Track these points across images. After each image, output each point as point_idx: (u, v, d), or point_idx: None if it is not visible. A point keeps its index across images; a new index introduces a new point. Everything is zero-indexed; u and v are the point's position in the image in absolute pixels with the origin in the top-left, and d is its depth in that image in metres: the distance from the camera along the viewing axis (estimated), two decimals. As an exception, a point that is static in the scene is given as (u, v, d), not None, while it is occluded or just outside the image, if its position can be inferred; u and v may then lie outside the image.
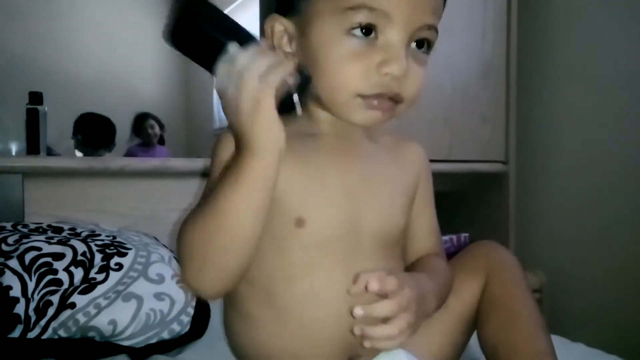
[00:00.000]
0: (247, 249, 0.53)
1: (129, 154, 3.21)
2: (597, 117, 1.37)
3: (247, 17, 3.22)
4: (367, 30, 0.55)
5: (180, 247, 0.55)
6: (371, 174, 0.65)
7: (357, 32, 0.55)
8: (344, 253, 0.60)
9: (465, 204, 1.49)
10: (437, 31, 0.58)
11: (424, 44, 0.58)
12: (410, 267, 0.69)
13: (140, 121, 3.26)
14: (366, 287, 0.50)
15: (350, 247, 0.61)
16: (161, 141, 3.36)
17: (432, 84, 1.32)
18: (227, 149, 0.57)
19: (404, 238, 0.70)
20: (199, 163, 1.11)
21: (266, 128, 0.49)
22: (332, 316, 0.59)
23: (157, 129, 3.22)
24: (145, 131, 3.20)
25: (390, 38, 0.55)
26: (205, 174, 1.07)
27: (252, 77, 0.48)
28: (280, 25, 0.60)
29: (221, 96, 0.51)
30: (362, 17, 0.54)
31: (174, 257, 0.85)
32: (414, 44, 0.57)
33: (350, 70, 0.55)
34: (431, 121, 1.32)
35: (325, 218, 0.60)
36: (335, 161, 0.62)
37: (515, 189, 1.46)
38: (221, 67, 0.49)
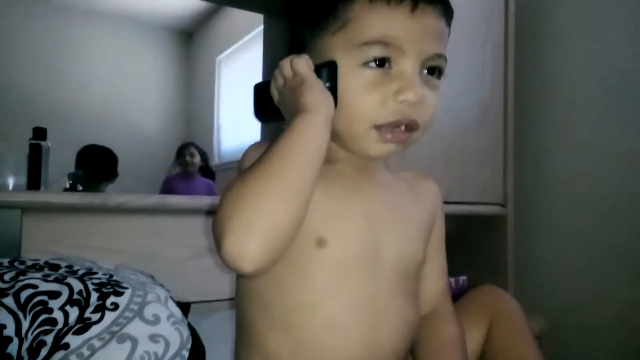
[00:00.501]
0: (301, 201, 0.50)
1: (166, 183, 3.17)
2: (595, 159, 1.39)
3: (251, 56, 3.29)
4: (381, 61, 0.58)
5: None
6: (391, 203, 0.66)
7: (372, 64, 0.58)
8: (363, 278, 0.60)
9: (463, 246, 1.49)
10: (446, 59, 0.61)
11: (435, 71, 0.61)
12: (425, 332, 0.68)
13: (182, 150, 3.22)
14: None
15: (370, 272, 0.61)
16: (207, 173, 3.26)
17: (432, 125, 1.34)
18: (255, 157, 0.57)
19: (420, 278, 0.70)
20: (198, 200, 1.11)
21: (317, 93, 0.56)
22: (352, 348, 0.58)
23: (197, 159, 3.13)
24: (183, 160, 3.16)
25: (403, 67, 0.58)
26: (209, 212, 1.07)
27: (300, 63, 0.59)
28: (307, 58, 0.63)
29: (279, 91, 0.61)
30: (376, 52, 0.57)
31: (170, 297, 0.84)
32: (425, 71, 0.60)
33: (368, 100, 0.58)
34: (430, 162, 1.33)
35: (346, 239, 0.60)
36: (356, 187, 0.64)
37: (513, 232, 1.46)
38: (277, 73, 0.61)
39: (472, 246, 1.50)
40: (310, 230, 0.58)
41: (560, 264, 1.46)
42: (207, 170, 3.24)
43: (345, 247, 0.60)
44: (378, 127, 0.59)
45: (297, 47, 0.64)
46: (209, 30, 4.33)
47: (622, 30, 1.34)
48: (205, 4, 3.87)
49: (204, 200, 1.09)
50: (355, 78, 0.58)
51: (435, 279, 0.72)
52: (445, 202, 1.36)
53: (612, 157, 1.34)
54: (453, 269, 1.52)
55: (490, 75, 1.44)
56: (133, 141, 4.01)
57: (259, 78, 1.80)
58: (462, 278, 1.42)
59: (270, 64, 1.76)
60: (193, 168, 3.11)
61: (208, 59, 4.21)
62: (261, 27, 1.86)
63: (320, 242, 0.59)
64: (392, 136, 0.59)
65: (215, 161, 3.93)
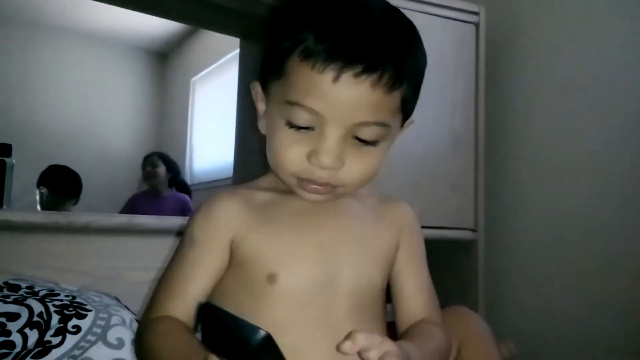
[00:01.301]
0: None
1: (130, 201, 2.70)
2: (566, 184, 1.42)
3: (226, 78, 3.30)
4: (302, 127, 0.59)
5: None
6: (347, 231, 0.66)
7: (294, 127, 0.59)
8: (321, 309, 0.61)
9: (434, 271, 1.47)
10: (384, 125, 0.59)
11: (367, 141, 0.60)
12: (402, 336, 0.67)
13: (144, 161, 2.73)
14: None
15: (327, 302, 0.61)
16: (182, 188, 2.80)
17: (405, 151, 1.36)
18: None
19: (395, 300, 0.70)
20: (167, 221, 1.09)
21: None
22: None
23: (161, 169, 2.65)
24: (145, 171, 2.67)
25: (324, 131, 0.58)
26: (179, 232, 1.05)
27: None
28: (259, 90, 0.66)
29: None
30: (297, 116, 0.58)
31: (136, 320, 0.81)
32: (355, 138, 0.59)
33: (288, 154, 0.60)
34: (402, 187, 1.34)
35: (297, 273, 0.61)
36: (309, 219, 0.65)
37: (484, 257, 1.48)
38: None
39: (444, 271, 1.51)
40: (261, 266, 0.61)
41: (531, 289, 1.48)
42: (181, 185, 2.88)
43: (297, 281, 0.61)
44: (299, 179, 0.62)
45: (261, 80, 0.66)
46: (184, 51, 4.33)
47: (595, 60, 1.39)
48: (181, 25, 3.87)
49: (174, 221, 1.07)
50: (281, 132, 0.60)
51: (411, 295, 0.70)
52: (417, 227, 1.39)
53: (583, 183, 1.38)
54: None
55: (462, 102, 1.48)
56: (103, 161, 3.94)
57: (233, 100, 1.80)
58: (433, 303, 1.42)
59: (245, 86, 1.76)
60: (157, 181, 2.69)
61: (183, 80, 4.20)
62: (237, 51, 1.87)
63: (271, 278, 0.60)
64: (311, 189, 0.62)
65: (188, 182, 3.88)
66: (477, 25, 1.51)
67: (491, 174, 1.54)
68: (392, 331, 0.72)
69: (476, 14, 1.50)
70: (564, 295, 1.38)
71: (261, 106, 0.66)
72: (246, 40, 1.79)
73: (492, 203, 1.54)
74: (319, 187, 0.61)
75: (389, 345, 0.49)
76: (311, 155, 0.58)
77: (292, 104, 0.57)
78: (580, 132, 1.40)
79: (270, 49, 0.62)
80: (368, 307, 0.65)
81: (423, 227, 1.35)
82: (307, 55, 0.55)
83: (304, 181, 0.61)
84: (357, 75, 0.55)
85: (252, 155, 1.60)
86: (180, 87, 4.24)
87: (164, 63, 4.58)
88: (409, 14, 0.64)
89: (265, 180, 0.71)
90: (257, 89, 0.67)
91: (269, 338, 0.40)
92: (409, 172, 1.36)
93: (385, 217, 0.71)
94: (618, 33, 1.34)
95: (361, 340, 0.48)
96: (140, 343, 0.62)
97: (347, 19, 0.56)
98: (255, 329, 0.40)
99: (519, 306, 1.50)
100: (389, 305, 0.72)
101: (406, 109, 0.62)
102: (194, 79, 4.05)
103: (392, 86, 0.57)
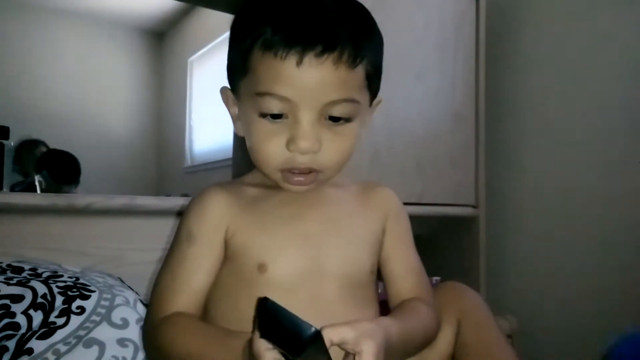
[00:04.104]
0: None
1: None
2: (566, 162, 1.42)
3: (224, 57, 3.26)
4: (276, 115, 0.61)
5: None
6: (332, 219, 0.69)
7: (268, 116, 0.61)
8: (310, 294, 0.63)
9: (436, 247, 1.50)
10: (353, 101, 0.62)
11: (340, 118, 0.62)
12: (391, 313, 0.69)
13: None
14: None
15: (316, 288, 0.64)
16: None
17: (405, 128, 1.35)
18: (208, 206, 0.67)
19: (386, 282, 0.72)
20: (168, 201, 1.09)
21: None
22: None
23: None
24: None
25: (298, 117, 0.60)
26: (179, 212, 1.05)
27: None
28: (230, 94, 0.69)
29: None
30: (269, 104, 0.60)
31: (140, 300, 0.82)
32: (327, 118, 0.61)
33: (267, 147, 0.62)
34: (403, 165, 1.34)
35: (285, 262, 0.64)
36: (295, 210, 0.67)
37: (485, 233, 1.48)
38: None
39: (445, 247, 1.52)
40: (251, 257, 0.64)
41: (532, 264, 1.49)
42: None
43: (286, 269, 0.64)
44: (282, 170, 0.64)
45: (230, 83, 0.68)
46: (180, 31, 4.27)
47: (593, 34, 1.38)
48: (177, 4, 3.81)
49: (174, 201, 1.07)
50: (256, 125, 0.62)
51: (401, 277, 0.73)
52: (418, 204, 1.39)
53: (583, 160, 1.38)
54: (426, 270, 1.54)
55: (462, 79, 1.46)
56: (101, 142, 3.92)
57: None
58: (435, 279, 1.42)
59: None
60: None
61: (180, 60, 4.15)
62: (234, 28, 1.84)
63: (261, 268, 0.63)
64: (294, 180, 0.64)
65: (187, 163, 3.88)
66: (477, 0, 1.49)
67: (492, 150, 1.53)
68: (385, 310, 0.73)
69: (476, -12, 1.48)
70: (565, 270, 1.39)
71: (234, 109, 0.69)
72: (243, 18, 1.77)
73: (493, 179, 1.54)
74: (302, 177, 0.64)
75: (365, 344, 0.50)
76: (289, 142, 0.60)
77: (262, 94, 0.60)
78: (582, 106, 1.39)
79: (232, 52, 0.66)
80: (357, 291, 0.67)
81: (424, 204, 1.37)
82: (268, 46, 0.58)
83: (288, 173, 0.64)
84: (318, 55, 0.57)
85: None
86: (177, 67, 4.20)
87: (161, 43, 4.52)
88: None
89: (251, 177, 0.74)
90: (227, 93, 0.69)
91: (318, 333, 0.46)
92: (410, 148, 1.35)
93: (369, 203, 0.74)
94: (620, 5, 1.32)
95: (334, 337, 0.50)
96: (154, 341, 0.62)
97: (300, 8, 0.60)
98: (308, 324, 0.46)
99: (520, 281, 1.51)
100: (380, 284, 0.74)
101: (371, 86, 0.65)
102: (191, 58, 4.00)
103: (353, 62, 0.59)
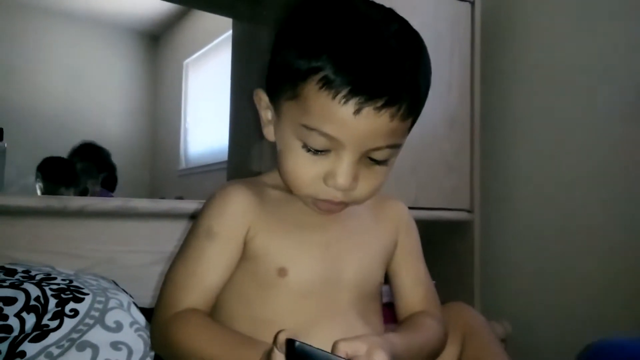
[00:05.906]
0: None
1: None
2: (561, 166, 1.42)
3: (220, 60, 3.26)
4: (318, 151, 0.60)
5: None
6: (351, 230, 0.70)
7: (311, 149, 0.60)
8: (325, 301, 0.64)
9: (431, 252, 1.49)
10: (397, 146, 0.63)
11: (380, 161, 0.63)
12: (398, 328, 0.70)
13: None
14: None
15: (330, 297, 0.65)
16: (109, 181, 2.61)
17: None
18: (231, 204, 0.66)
19: (394, 294, 0.75)
20: (162, 204, 1.09)
21: None
22: None
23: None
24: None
25: (341, 155, 0.60)
26: (173, 215, 1.04)
27: None
28: (265, 99, 0.67)
29: None
30: (315, 141, 0.59)
31: (134, 303, 0.81)
32: (367, 159, 0.62)
33: (303, 178, 0.62)
34: (398, 169, 1.33)
35: (306, 268, 0.65)
36: (317, 219, 0.68)
37: (480, 237, 1.48)
38: None
39: (440, 251, 1.52)
40: (272, 261, 0.64)
41: (526, 269, 1.49)
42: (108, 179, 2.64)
43: (305, 274, 0.65)
44: (312, 198, 0.64)
45: (268, 90, 0.66)
46: (176, 33, 4.27)
47: (588, 38, 1.39)
48: (172, 6, 3.81)
49: (168, 204, 1.07)
50: (296, 153, 0.61)
51: (409, 289, 0.74)
52: (413, 208, 1.39)
53: (577, 164, 1.38)
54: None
55: (457, 83, 1.47)
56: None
57: (227, 82, 1.78)
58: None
59: (239, 68, 1.74)
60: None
61: (175, 63, 4.14)
62: (230, 32, 1.84)
63: (281, 272, 0.64)
64: (324, 207, 0.65)
65: (182, 165, 3.86)
66: (472, 3, 1.50)
67: (487, 155, 1.53)
68: (387, 312, 0.74)
69: (472, -8, 1.49)
70: (559, 275, 1.40)
71: (266, 113, 0.68)
72: (239, 21, 1.77)
73: (488, 184, 1.54)
74: (333, 206, 0.64)
75: (377, 355, 0.51)
76: (327, 177, 0.60)
77: (311, 129, 0.58)
78: (577, 110, 1.40)
79: (281, 65, 0.61)
80: (367, 301, 0.69)
81: (419, 208, 1.37)
82: (327, 85, 0.56)
83: (320, 201, 0.64)
84: (377, 109, 0.56)
85: (247, 138, 1.59)
86: (172, 70, 4.19)
87: (156, 45, 4.51)
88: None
89: (271, 178, 0.73)
90: (262, 96, 0.67)
91: None
92: (404, 152, 1.34)
93: (383, 216, 0.75)
94: (615, 10, 1.33)
95: (348, 349, 0.51)
96: (164, 339, 0.62)
97: (362, 45, 0.56)
98: (340, 358, 0.47)
99: (515, 286, 1.51)
100: (385, 287, 0.75)
101: (412, 126, 0.66)
102: (186, 61, 4.00)
103: (408, 115, 0.60)
